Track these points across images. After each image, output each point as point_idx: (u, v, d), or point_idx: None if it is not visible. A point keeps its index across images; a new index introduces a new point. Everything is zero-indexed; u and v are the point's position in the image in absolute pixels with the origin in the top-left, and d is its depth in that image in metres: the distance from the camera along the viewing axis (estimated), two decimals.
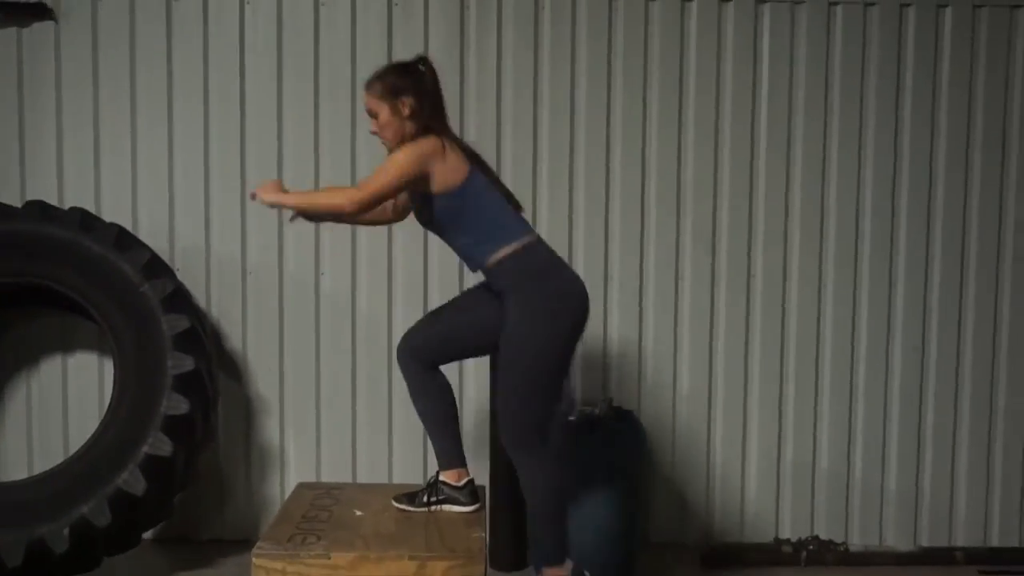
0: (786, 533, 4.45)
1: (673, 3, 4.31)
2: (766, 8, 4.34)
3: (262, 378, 4.34)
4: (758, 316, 4.41)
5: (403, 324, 4.24)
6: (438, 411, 3.23)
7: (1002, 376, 4.47)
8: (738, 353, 4.41)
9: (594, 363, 4.37)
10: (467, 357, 3.70)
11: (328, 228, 4.29)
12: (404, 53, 3.96)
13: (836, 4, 4.34)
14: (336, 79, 4.28)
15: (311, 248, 4.32)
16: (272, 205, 3.09)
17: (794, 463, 4.45)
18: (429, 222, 3.16)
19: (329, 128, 4.30)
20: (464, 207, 3.06)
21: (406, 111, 3.07)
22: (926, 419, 4.46)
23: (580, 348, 3.45)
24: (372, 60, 4.19)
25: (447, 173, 3.03)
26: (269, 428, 4.36)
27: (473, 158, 3.14)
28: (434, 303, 4.30)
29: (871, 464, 4.46)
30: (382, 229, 4.30)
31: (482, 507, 3.23)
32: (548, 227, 4.25)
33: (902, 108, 4.38)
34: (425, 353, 3.22)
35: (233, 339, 4.33)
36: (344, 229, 4.29)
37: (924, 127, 4.38)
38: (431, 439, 3.29)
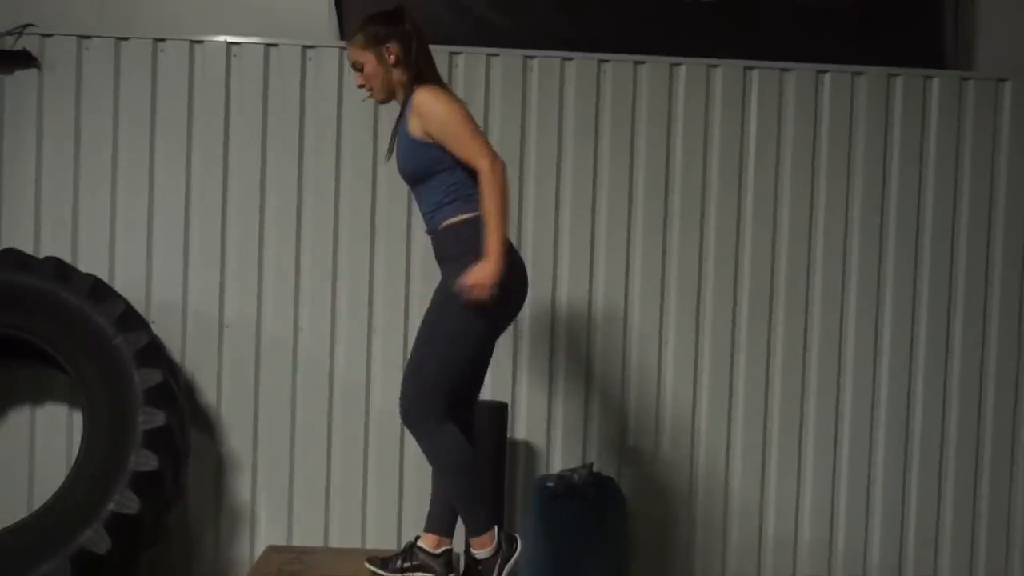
0: None
1: (661, 66, 4.30)
2: (754, 74, 4.34)
3: (235, 435, 4.24)
4: (741, 383, 4.35)
5: (382, 382, 4.23)
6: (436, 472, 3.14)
7: (987, 446, 4.41)
8: (721, 419, 4.35)
9: (574, 427, 4.29)
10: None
11: (308, 281, 4.24)
12: (390, 109, 3.96)
13: (824, 72, 4.35)
14: (321, 129, 4.24)
15: (290, 302, 4.25)
16: (499, 279, 2.90)
17: (776, 533, 4.36)
18: (410, 173, 3.09)
19: (313, 178, 4.25)
20: (449, 162, 3.00)
21: (391, 58, 3.06)
22: (910, 493, 4.39)
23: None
24: (358, 113, 4.19)
25: None
26: (241, 486, 4.25)
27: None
28: None
29: (854, 536, 4.38)
30: (363, 285, 4.24)
31: None
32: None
33: (889, 176, 4.37)
34: None
35: (207, 394, 4.24)
36: (324, 282, 4.24)
37: (911, 195, 4.37)
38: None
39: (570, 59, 4.28)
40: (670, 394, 4.33)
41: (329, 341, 4.25)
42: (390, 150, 3.21)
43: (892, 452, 4.38)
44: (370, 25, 3.11)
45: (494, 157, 2.94)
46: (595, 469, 3.97)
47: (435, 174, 3.03)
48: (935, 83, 4.38)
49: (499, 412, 3.90)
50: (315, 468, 4.25)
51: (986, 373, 4.41)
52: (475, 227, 2.98)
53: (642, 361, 4.31)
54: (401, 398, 3.04)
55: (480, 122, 4.19)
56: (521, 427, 4.29)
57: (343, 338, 4.26)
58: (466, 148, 2.95)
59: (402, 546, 3.22)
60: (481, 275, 2.89)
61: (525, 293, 3.09)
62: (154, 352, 3.89)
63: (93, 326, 3.80)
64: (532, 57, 4.27)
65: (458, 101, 3.04)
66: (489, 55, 4.26)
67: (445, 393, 2.99)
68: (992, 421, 4.41)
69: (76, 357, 3.81)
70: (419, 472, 4.21)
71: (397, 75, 3.09)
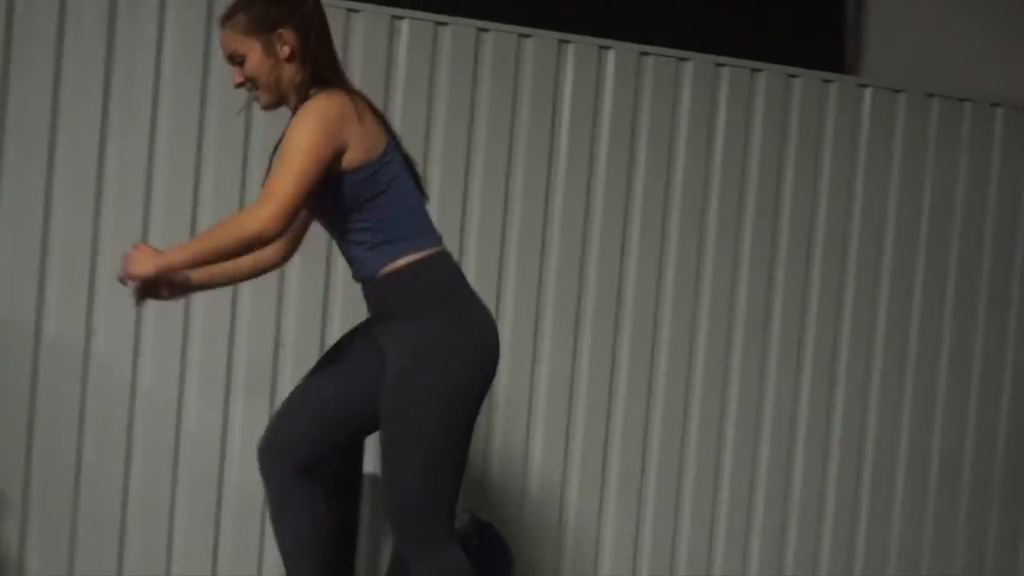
0: None
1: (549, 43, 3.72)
2: (650, 60, 3.83)
3: (2, 467, 3.26)
4: (620, 414, 3.83)
5: (198, 401, 3.40)
6: (299, 537, 2.43)
7: (832, 470, 4.09)
8: (597, 447, 3.81)
9: None
10: (359, 440, 2.65)
11: (105, 271, 3.32)
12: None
13: (723, 66, 3.92)
14: (132, 71, 3.35)
15: (82, 297, 3.32)
16: (153, 275, 2.22)
17: (651, 565, 3.88)
18: (326, 210, 2.36)
19: (119, 127, 3.35)
20: (376, 190, 2.28)
21: (286, 50, 2.28)
22: (790, 524, 4.03)
23: None
24: (181, 50, 3.35)
25: (364, 141, 2.25)
26: (7, 532, 3.27)
27: (384, 123, 2.38)
28: (241, 375, 3.43)
29: (732, 558, 3.96)
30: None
31: None
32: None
33: (783, 183, 4.00)
34: (298, 453, 2.42)
35: None
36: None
37: (806, 201, 4.02)
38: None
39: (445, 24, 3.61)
40: (542, 422, 3.75)
41: (132, 347, 3.36)
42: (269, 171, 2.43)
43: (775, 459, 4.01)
44: (256, 3, 2.30)
45: (290, 200, 2.15)
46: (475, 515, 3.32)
47: (357, 208, 2.32)
48: (833, 88, 4.04)
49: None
50: (107, 509, 3.34)
51: (836, 382, 4.11)
52: (427, 271, 2.34)
53: (513, 385, 3.70)
54: (395, 516, 2.33)
55: None
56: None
57: (149, 344, 3.38)
58: (278, 174, 2.19)
59: None
60: (138, 259, 2.22)
61: (498, 358, 2.41)
62: None
63: None
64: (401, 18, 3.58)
65: (340, 119, 2.25)
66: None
67: (448, 504, 2.32)
68: (839, 439, 4.13)
69: None
70: (241, 511, 3.42)
71: (290, 73, 2.32)
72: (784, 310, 3.99)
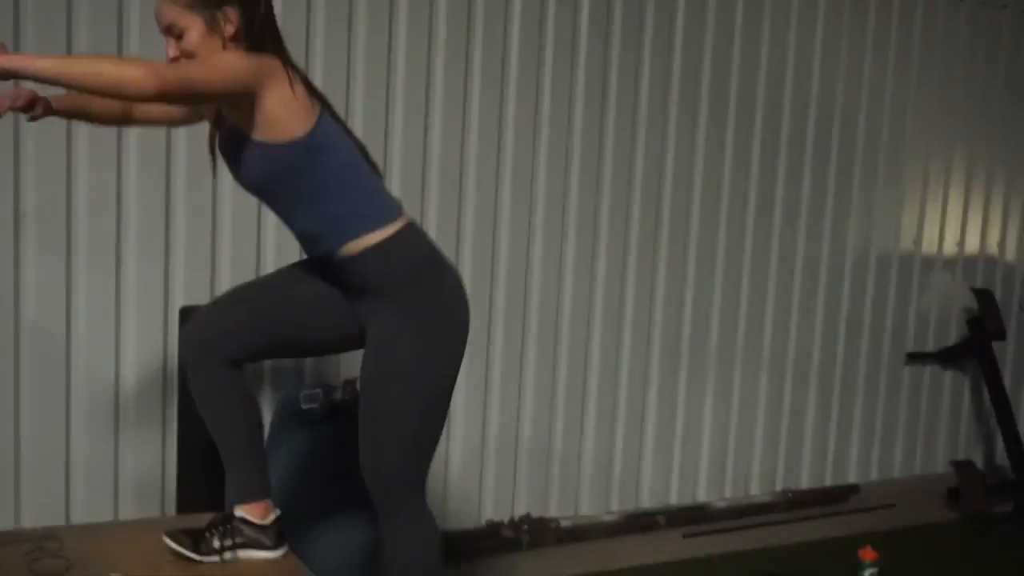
0: (489, 515, 4.24)
1: None
2: None
3: None
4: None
5: (87, 312, 3.43)
6: (237, 424, 2.49)
7: (685, 345, 4.62)
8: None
9: None
10: (292, 355, 2.74)
11: None
12: None
13: None
14: None
15: None
16: (7, 73, 1.95)
17: (497, 439, 4.25)
18: (252, 183, 2.32)
19: None
20: (310, 166, 2.25)
21: (229, 29, 2.20)
22: (620, 388, 4.51)
23: None
24: None
25: (288, 112, 2.19)
26: None
27: (321, 99, 2.33)
28: (132, 275, 3.47)
29: (570, 434, 4.40)
30: (59, 183, 3.34)
31: (289, 550, 2.62)
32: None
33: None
34: (226, 349, 2.41)
35: None
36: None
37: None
38: (224, 462, 2.53)
39: None
40: None
41: (12, 265, 3.32)
42: (215, 159, 2.39)
43: (606, 346, 4.45)
44: None
45: (183, 79, 2.06)
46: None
47: (292, 185, 2.28)
48: None
49: None
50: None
51: (687, 266, 4.62)
52: (399, 247, 2.35)
53: None
54: (377, 484, 2.44)
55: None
56: None
57: (31, 254, 3.32)
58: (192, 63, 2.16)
59: (216, 520, 2.56)
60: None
61: (468, 322, 2.49)
62: None
63: None
64: None
65: (268, 70, 2.19)
66: None
67: (427, 466, 2.49)
68: (691, 312, 4.65)
69: None
70: (141, 406, 3.52)
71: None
72: (613, 186, 4.39)
